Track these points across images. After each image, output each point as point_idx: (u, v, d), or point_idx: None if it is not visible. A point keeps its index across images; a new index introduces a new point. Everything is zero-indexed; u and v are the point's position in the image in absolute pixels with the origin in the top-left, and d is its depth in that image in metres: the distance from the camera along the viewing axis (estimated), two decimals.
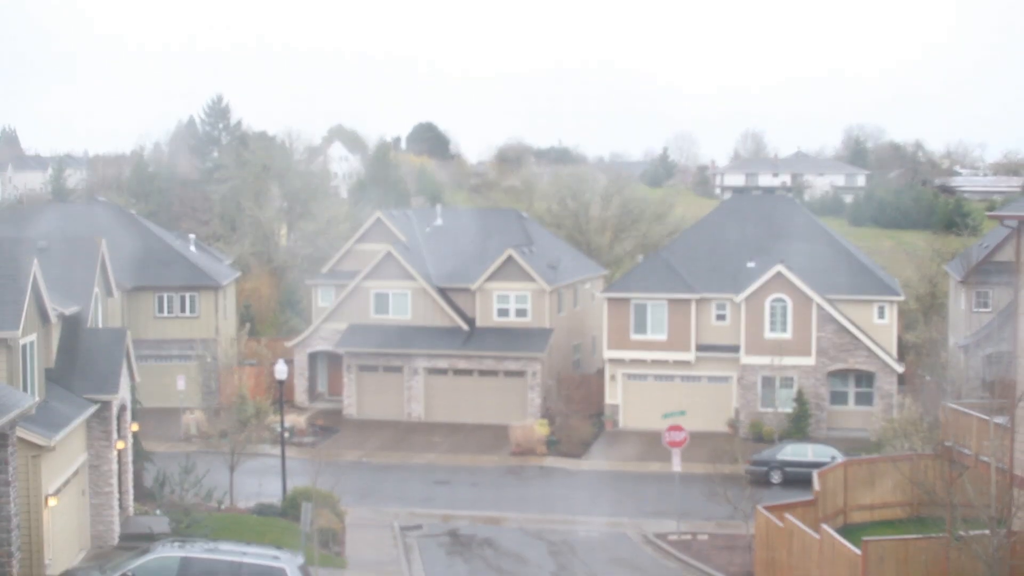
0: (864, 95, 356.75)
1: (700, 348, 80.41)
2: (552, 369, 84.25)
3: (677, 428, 61.05)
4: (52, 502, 40.84)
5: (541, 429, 76.16)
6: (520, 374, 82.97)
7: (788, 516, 45.82)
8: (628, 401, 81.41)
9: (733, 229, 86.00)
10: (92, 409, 45.60)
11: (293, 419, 76.80)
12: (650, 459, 72.75)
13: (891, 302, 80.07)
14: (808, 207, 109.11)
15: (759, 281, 77.96)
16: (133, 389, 52.49)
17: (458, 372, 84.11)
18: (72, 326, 48.41)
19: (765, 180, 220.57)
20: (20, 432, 36.79)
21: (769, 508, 48.43)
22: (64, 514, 43.10)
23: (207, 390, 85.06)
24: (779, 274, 77.68)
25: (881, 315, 79.67)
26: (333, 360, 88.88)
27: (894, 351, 79.34)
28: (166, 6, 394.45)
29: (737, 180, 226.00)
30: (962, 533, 39.24)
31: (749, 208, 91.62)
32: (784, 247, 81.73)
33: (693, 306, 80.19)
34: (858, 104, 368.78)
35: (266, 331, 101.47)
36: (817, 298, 77.41)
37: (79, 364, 47.19)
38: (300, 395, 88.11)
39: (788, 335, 77.91)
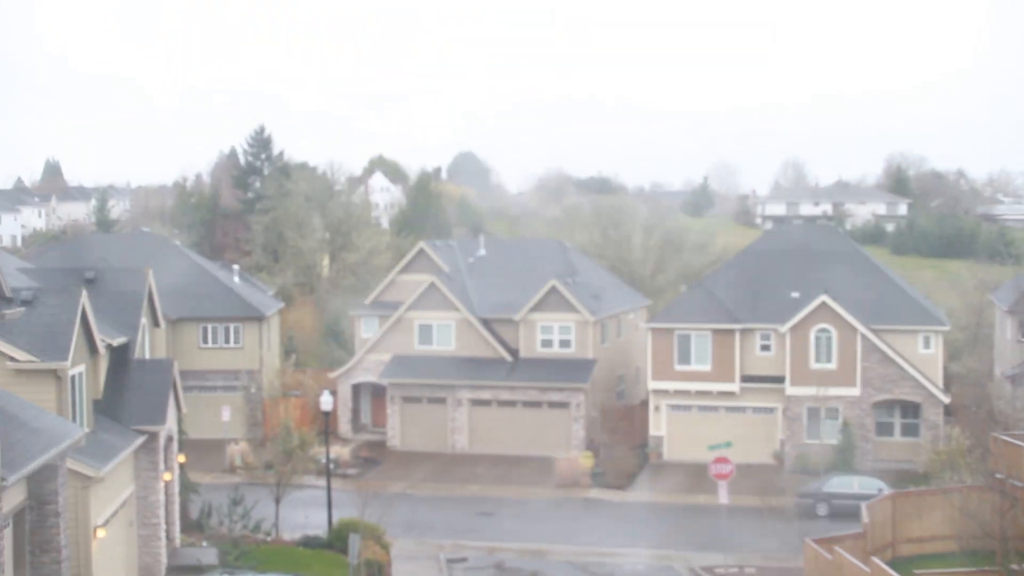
0: (905, 123, 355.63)
1: (744, 379, 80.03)
2: (596, 400, 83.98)
3: (724, 460, 60.73)
4: (100, 533, 40.83)
5: (586, 461, 75.91)
6: (564, 405, 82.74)
7: (837, 549, 45.45)
8: (672, 432, 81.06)
9: (776, 259, 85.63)
10: (140, 440, 45.62)
11: (337, 450, 76.73)
12: (695, 491, 72.37)
13: (936, 332, 79.45)
14: (850, 236, 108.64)
15: (803, 311, 77.56)
16: (180, 420, 52.54)
17: (502, 403, 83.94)
18: (120, 357, 48.51)
19: (806, 209, 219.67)
20: (70, 463, 36.80)
21: (818, 541, 48.09)
22: (112, 545, 43.08)
23: (252, 421, 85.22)
24: (823, 304, 77.26)
25: (927, 345, 79.08)
26: (377, 391, 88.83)
27: (940, 381, 78.73)
28: (204, 42, 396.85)
29: (778, 209, 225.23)
30: (1015, 566, 38.85)
31: (792, 237, 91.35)
32: (828, 277, 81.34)
33: (737, 336, 79.86)
34: (899, 132, 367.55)
35: (309, 362, 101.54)
36: (862, 328, 76.95)
37: (127, 395, 47.23)
38: (344, 426, 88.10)
39: (833, 366, 77.46)
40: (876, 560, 42.84)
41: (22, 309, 31.21)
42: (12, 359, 38.93)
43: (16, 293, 32.05)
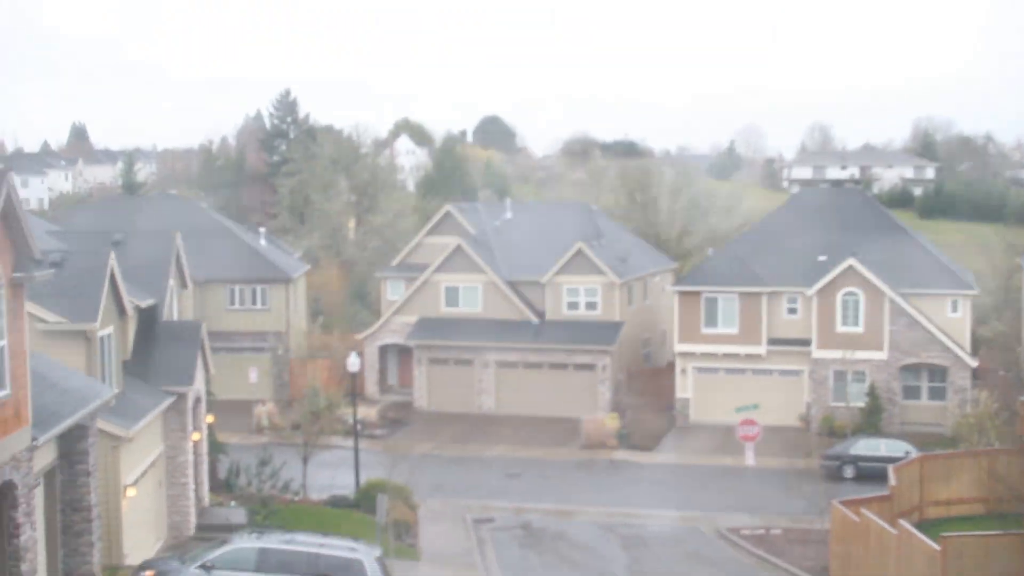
0: (933, 86, 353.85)
1: (771, 342, 79.94)
2: (622, 362, 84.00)
3: (750, 422, 60.86)
4: (130, 492, 41.14)
5: (612, 423, 76.02)
6: (590, 367, 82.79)
7: (864, 511, 45.42)
8: (699, 395, 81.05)
9: (804, 222, 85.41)
10: (169, 401, 45.89)
11: (364, 412, 76.92)
12: (721, 453, 72.41)
13: (964, 296, 79.19)
14: (877, 200, 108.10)
15: (831, 275, 77.37)
16: (208, 381, 52.75)
17: (528, 365, 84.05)
18: (148, 319, 48.73)
19: (833, 173, 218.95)
20: (100, 423, 37.07)
21: (845, 503, 48.05)
22: (141, 505, 43.39)
23: (279, 382, 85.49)
24: (851, 268, 77.06)
25: (954, 309, 78.85)
26: (403, 353, 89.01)
27: (968, 345, 78.50)
28: (230, 6, 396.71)
29: (805, 173, 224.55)
30: None
31: (820, 201, 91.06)
32: (855, 240, 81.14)
33: (764, 299, 79.75)
34: (927, 96, 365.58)
35: (335, 324, 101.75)
36: (889, 292, 76.73)
37: (155, 356, 47.48)
38: (371, 388, 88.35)
39: (860, 329, 77.30)
40: (903, 523, 42.84)
41: (52, 271, 31.35)
42: (42, 320, 39.18)
43: (45, 255, 32.19)
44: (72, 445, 34.39)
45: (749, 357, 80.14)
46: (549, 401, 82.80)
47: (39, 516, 31.90)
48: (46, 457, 32.75)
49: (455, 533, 55.75)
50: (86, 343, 40.03)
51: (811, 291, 77.70)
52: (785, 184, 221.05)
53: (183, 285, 56.43)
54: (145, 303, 48.25)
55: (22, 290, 29.62)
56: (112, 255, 42.31)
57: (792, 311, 79.92)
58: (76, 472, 34.67)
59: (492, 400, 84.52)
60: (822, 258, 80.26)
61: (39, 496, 32.05)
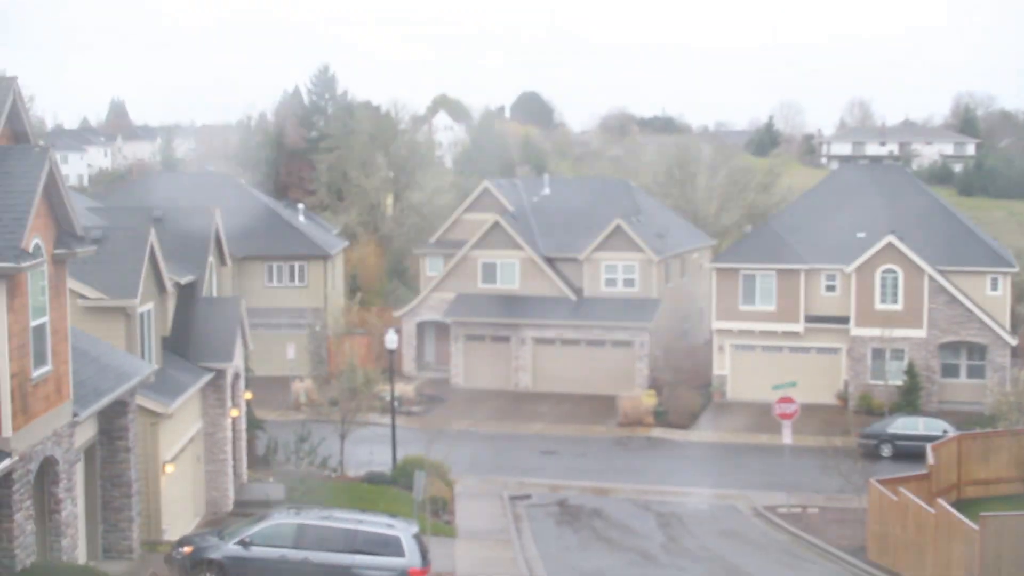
0: (974, 60, 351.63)
1: (809, 319, 79.75)
2: (660, 340, 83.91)
3: (788, 400, 60.67)
4: (169, 469, 41.37)
5: (649, 400, 75.99)
6: (628, 344, 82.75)
7: (902, 490, 45.37)
8: (736, 372, 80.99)
9: (842, 199, 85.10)
10: (207, 377, 46.08)
11: (402, 388, 77.06)
12: (758, 431, 72.34)
13: (1005, 273, 78.85)
14: (916, 176, 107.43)
15: (869, 252, 77.10)
16: (246, 357, 52.96)
17: (566, 342, 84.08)
18: (187, 295, 48.90)
19: (872, 149, 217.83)
20: (139, 399, 37.30)
21: (882, 482, 47.99)
22: (180, 481, 43.64)
23: (316, 359, 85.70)
24: (890, 245, 76.76)
25: (994, 287, 78.52)
26: (441, 329, 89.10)
27: (1007, 323, 78.15)
28: None
29: (844, 149, 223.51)
30: None
31: (859, 178, 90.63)
32: (895, 217, 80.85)
33: (802, 277, 79.53)
34: (968, 71, 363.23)
35: (373, 300, 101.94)
36: (929, 269, 76.41)
37: (194, 332, 47.65)
38: (408, 364, 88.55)
39: (899, 307, 77.03)
40: (942, 502, 42.78)
41: (93, 248, 31.52)
42: (82, 296, 39.39)
43: (86, 231, 32.36)
44: (112, 421, 34.63)
45: (787, 335, 79.98)
46: (586, 378, 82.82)
47: (79, 492, 32.16)
48: (86, 433, 32.99)
49: (491, 510, 55.87)
50: (126, 319, 40.22)
51: (850, 268, 77.44)
52: (824, 161, 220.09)
53: (222, 262, 56.56)
54: (185, 279, 48.43)
55: (64, 266, 29.83)
56: (152, 231, 42.46)
57: (830, 288, 79.71)
58: (116, 448, 34.91)
59: (529, 377, 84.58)
60: (861, 235, 79.99)
61: (79, 472, 32.29)
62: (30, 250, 26.53)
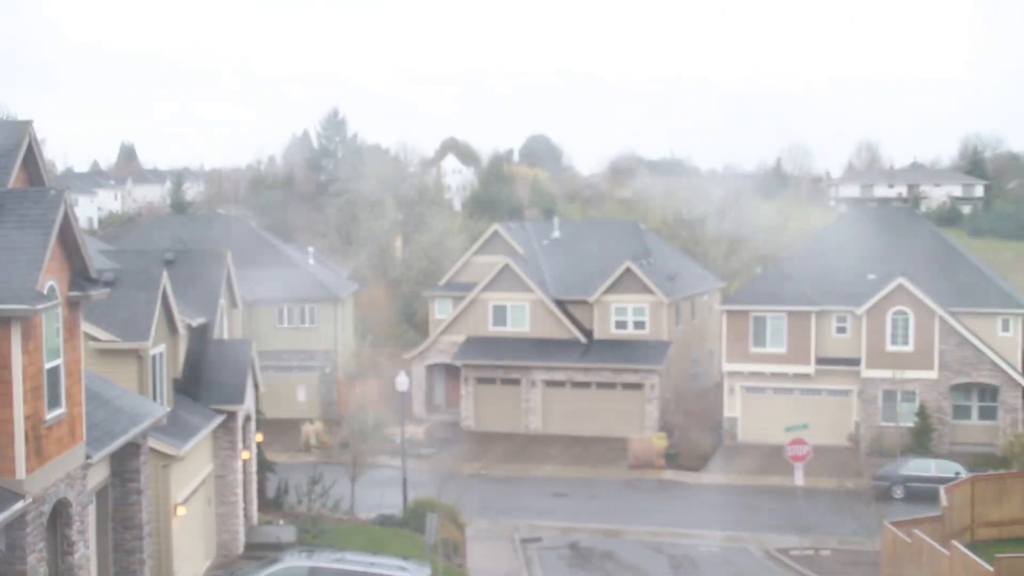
0: (982, 103, 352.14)
1: (820, 361, 79.62)
2: (670, 382, 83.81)
3: (800, 442, 60.59)
4: (180, 511, 41.28)
5: (659, 442, 75.84)
6: (638, 387, 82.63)
7: (916, 532, 45.18)
8: (747, 414, 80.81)
9: (852, 241, 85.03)
10: (219, 420, 46.05)
11: (412, 431, 76.97)
12: (770, 472, 72.13)
13: (1015, 315, 78.64)
14: (926, 218, 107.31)
15: (880, 293, 77.03)
16: (257, 400, 52.95)
17: (576, 384, 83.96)
18: (199, 337, 48.93)
19: (881, 191, 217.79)
20: (151, 442, 37.22)
21: (896, 524, 47.81)
22: (191, 523, 43.55)
23: (327, 401, 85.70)
24: (900, 286, 76.70)
25: (1005, 328, 78.38)
26: (451, 372, 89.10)
27: (1019, 365, 77.91)
28: (279, 24, 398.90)
29: (852, 191, 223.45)
30: None
31: (868, 220, 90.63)
32: (905, 259, 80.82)
33: (813, 318, 79.45)
34: (975, 113, 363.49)
35: (383, 343, 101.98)
36: (939, 311, 76.31)
37: (206, 375, 47.66)
38: (418, 407, 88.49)
39: (910, 348, 76.90)
40: (956, 543, 42.58)
41: (107, 290, 31.52)
42: (95, 339, 39.40)
43: (99, 274, 32.39)
44: (124, 463, 34.54)
45: (797, 376, 79.83)
46: (596, 420, 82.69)
47: (92, 534, 32.06)
48: (99, 475, 32.92)
49: (503, 553, 55.74)
50: (138, 361, 40.22)
51: (860, 310, 77.37)
52: (832, 203, 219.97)
53: (233, 304, 56.67)
54: (196, 322, 48.49)
55: (78, 309, 29.82)
56: (164, 274, 42.51)
57: (841, 330, 79.59)
58: (128, 490, 34.80)
59: (539, 420, 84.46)
60: (871, 277, 79.95)
61: (92, 514, 32.21)
62: (45, 292, 26.53)
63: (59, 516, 29.19)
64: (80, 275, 29.28)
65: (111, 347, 39.73)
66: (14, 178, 28.79)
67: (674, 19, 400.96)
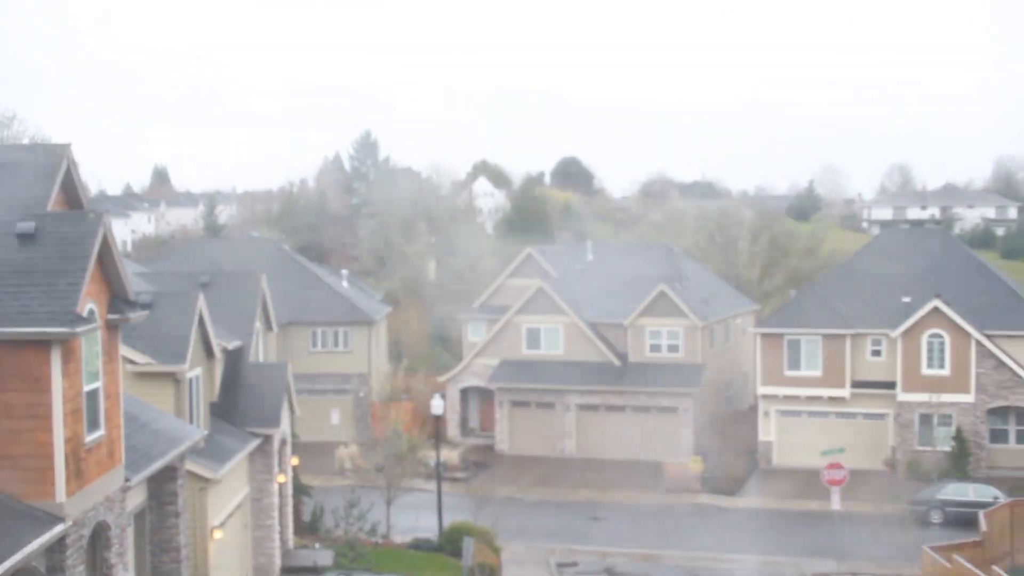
0: (1014, 124, 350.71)
1: (855, 384, 79.17)
2: (704, 405, 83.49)
3: (837, 466, 60.14)
4: (217, 534, 41.19)
5: (695, 466, 75.52)
6: (673, 410, 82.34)
7: (956, 557, 44.86)
8: (782, 438, 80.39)
9: (886, 263, 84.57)
10: (255, 443, 45.98)
11: (446, 454, 76.78)
12: (806, 497, 71.74)
13: None
14: (959, 240, 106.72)
15: (915, 316, 76.58)
16: (293, 423, 52.87)
17: (610, 408, 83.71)
18: (235, 360, 48.87)
19: (913, 213, 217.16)
20: (188, 465, 37.16)
21: (935, 548, 47.52)
22: (228, 546, 43.46)
23: (361, 424, 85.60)
24: (936, 309, 76.24)
25: None
26: (484, 395, 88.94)
27: None
28: (309, 45, 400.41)
29: (885, 214, 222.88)
30: None
31: (902, 242, 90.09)
32: (940, 281, 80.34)
33: (848, 342, 79.05)
34: (1008, 134, 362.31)
35: (416, 366, 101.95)
36: (975, 333, 75.82)
37: (242, 398, 47.60)
38: (452, 430, 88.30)
39: (946, 372, 76.39)
40: (996, 569, 42.27)
41: (145, 312, 31.52)
42: (132, 362, 39.38)
43: (136, 297, 32.39)
44: (162, 486, 34.50)
45: (833, 400, 79.43)
46: (631, 444, 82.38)
47: (130, 557, 32.00)
48: (137, 498, 32.88)
49: None
50: (175, 385, 40.18)
51: (895, 333, 76.93)
52: (865, 225, 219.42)
53: (269, 327, 56.63)
54: (232, 345, 48.44)
55: (117, 331, 29.80)
56: (201, 297, 42.49)
57: (876, 353, 79.14)
58: (165, 513, 34.75)
59: (574, 443, 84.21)
60: (906, 299, 79.46)
61: (130, 537, 32.15)
62: (84, 315, 26.52)
63: (98, 539, 29.14)
64: (119, 298, 29.27)
65: (148, 370, 39.69)
66: (53, 201, 28.84)
67: (704, 42, 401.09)
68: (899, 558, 53.03)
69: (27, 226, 27.14)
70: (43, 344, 25.45)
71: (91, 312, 27.37)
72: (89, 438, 27.49)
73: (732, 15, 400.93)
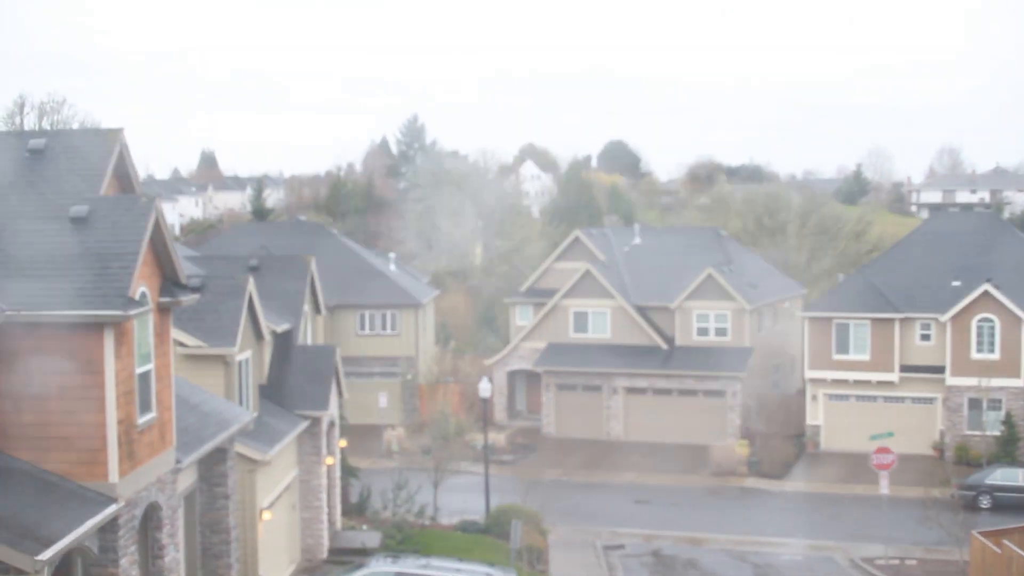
0: None
1: (904, 369, 78.86)
2: (752, 389, 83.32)
3: (885, 450, 59.88)
4: (266, 516, 41.49)
5: (741, 450, 75.43)
6: (720, 394, 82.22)
7: (1006, 542, 44.64)
8: (829, 422, 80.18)
9: (936, 247, 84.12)
10: (304, 425, 46.28)
11: (493, 437, 76.95)
12: (853, 481, 71.56)
13: None
14: (1010, 223, 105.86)
15: (965, 300, 76.16)
16: (341, 405, 53.12)
17: (657, 391, 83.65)
18: (283, 343, 49.15)
19: (963, 197, 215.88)
20: (237, 447, 37.44)
21: (984, 534, 47.28)
22: (276, 528, 43.77)
23: (408, 407, 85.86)
24: (986, 293, 75.82)
25: None
26: (531, 378, 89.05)
27: None
28: (358, 30, 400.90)
29: (934, 197, 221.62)
30: None
31: (952, 226, 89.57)
32: (990, 265, 79.84)
33: (897, 326, 78.73)
34: None
35: (463, 349, 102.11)
36: None
37: (291, 380, 47.89)
38: (499, 413, 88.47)
39: (996, 356, 75.99)
40: None
41: (197, 296, 31.79)
42: (182, 344, 39.69)
43: (187, 280, 32.65)
44: (211, 468, 34.77)
45: (881, 384, 79.15)
46: (678, 428, 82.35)
47: (180, 537, 32.28)
48: (187, 479, 33.16)
49: (585, 559, 55.60)
50: (225, 367, 40.44)
51: (945, 317, 76.57)
52: (914, 209, 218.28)
53: (317, 310, 56.89)
54: (281, 328, 48.70)
55: (169, 315, 30.06)
56: (250, 280, 42.75)
57: (925, 337, 78.78)
58: (215, 495, 35.03)
59: (620, 426, 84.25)
60: (956, 283, 79.07)
61: (180, 518, 32.43)
62: (137, 298, 26.75)
63: (150, 519, 29.42)
64: (171, 281, 29.52)
65: (198, 353, 39.98)
66: (106, 185, 29.10)
67: (752, 22, 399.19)
68: (947, 543, 52.73)
69: (81, 210, 27.44)
70: (96, 327, 25.72)
71: (143, 295, 27.62)
72: (141, 420, 27.77)
73: None
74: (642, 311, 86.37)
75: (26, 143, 30.20)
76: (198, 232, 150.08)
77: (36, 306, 25.44)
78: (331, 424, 50.34)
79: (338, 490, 52.45)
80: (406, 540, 49.75)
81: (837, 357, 79.68)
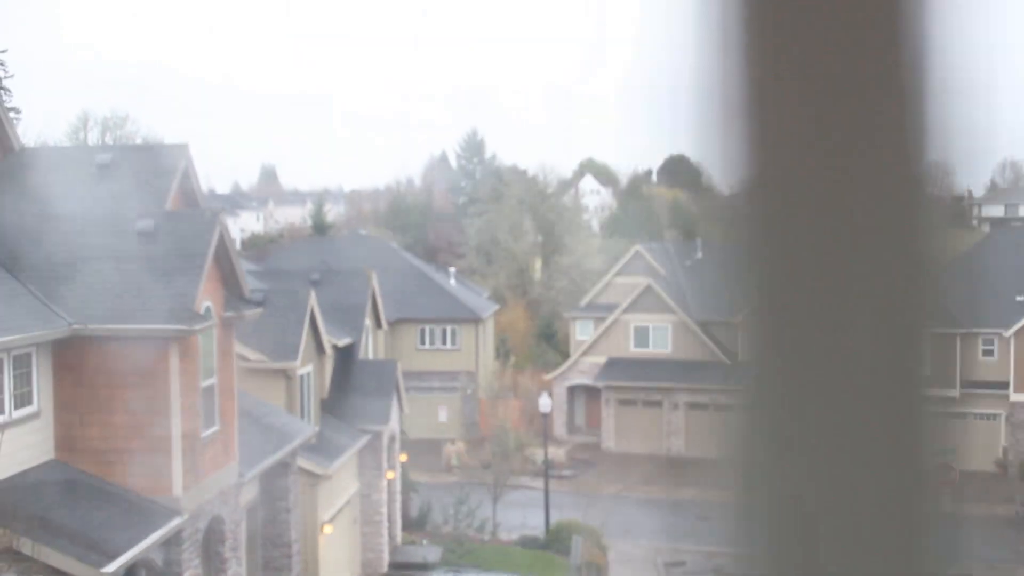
0: None
1: (965, 384, 78.16)
2: None
3: (947, 466, 59.45)
4: (327, 530, 41.60)
5: None
6: None
7: None
8: None
9: (999, 261, 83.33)
10: (365, 439, 46.37)
11: (552, 451, 76.81)
12: None
13: None
14: None
15: None
16: (401, 420, 53.21)
17: (719, 407, 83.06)
18: (345, 357, 49.33)
19: None
20: (299, 461, 37.59)
21: None
22: (337, 541, 43.85)
23: (468, 421, 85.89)
24: None
25: None
26: (591, 393, 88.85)
27: None
28: (415, 42, 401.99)
29: (996, 211, 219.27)
30: None
31: (1015, 240, 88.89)
32: None
33: (958, 341, 78.05)
34: None
35: (522, 364, 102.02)
36: None
37: (352, 395, 48.02)
38: (559, 428, 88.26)
39: None
40: None
41: (260, 310, 31.98)
42: (244, 359, 39.87)
43: (250, 295, 32.88)
44: (273, 481, 34.95)
45: (942, 400, 78.32)
46: None
47: (242, 551, 32.45)
48: (249, 493, 33.32)
49: None
50: (286, 381, 40.62)
51: (1009, 332, 75.94)
52: (974, 222, 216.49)
53: (378, 324, 57.06)
54: (342, 342, 48.87)
55: (232, 328, 30.27)
56: (312, 294, 42.95)
57: (988, 352, 78.14)
58: (277, 508, 35.21)
59: (681, 441, 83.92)
60: (1020, 298, 78.39)
61: (243, 531, 32.60)
62: (202, 312, 26.94)
63: (213, 533, 29.58)
64: (235, 295, 29.72)
65: (260, 367, 40.15)
66: (171, 200, 29.33)
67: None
68: (1011, 561, 52.31)
69: (147, 224, 27.67)
70: (162, 341, 25.92)
71: (208, 309, 27.81)
72: (205, 433, 27.96)
73: None
74: (704, 326, 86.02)
75: (93, 158, 30.51)
76: (259, 246, 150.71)
77: (102, 320, 25.68)
78: (392, 438, 50.42)
79: (398, 504, 52.51)
80: (466, 555, 49.74)
81: None
